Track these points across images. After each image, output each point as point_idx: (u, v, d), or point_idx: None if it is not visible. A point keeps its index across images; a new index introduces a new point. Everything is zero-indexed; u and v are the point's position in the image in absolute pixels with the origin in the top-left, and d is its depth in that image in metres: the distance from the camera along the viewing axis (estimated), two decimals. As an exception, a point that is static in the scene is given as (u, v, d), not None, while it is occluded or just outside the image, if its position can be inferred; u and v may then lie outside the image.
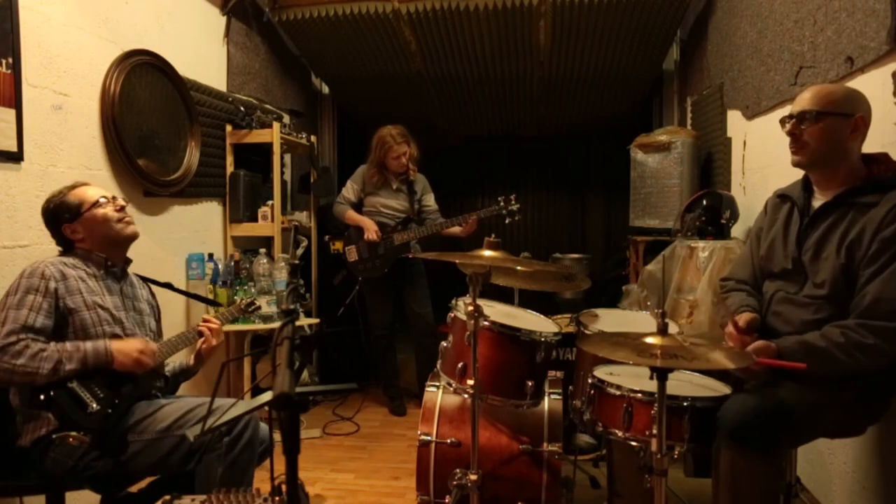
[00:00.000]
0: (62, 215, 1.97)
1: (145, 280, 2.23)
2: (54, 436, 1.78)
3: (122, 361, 1.86)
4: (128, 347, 1.89)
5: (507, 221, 3.69)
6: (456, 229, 3.78)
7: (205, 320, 2.12)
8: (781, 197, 1.98)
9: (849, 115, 1.73)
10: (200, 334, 2.09)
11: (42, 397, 1.76)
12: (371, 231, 3.78)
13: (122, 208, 2.05)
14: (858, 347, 1.62)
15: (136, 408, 1.92)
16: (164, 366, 2.13)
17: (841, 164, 1.77)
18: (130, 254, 2.13)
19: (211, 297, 3.26)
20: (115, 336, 1.93)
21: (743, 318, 1.87)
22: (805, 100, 1.78)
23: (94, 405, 1.81)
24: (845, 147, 1.75)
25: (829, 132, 1.74)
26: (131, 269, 2.17)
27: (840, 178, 1.78)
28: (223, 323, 2.18)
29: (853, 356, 1.62)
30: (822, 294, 1.74)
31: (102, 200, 2.01)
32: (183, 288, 3.22)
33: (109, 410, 1.84)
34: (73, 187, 2.03)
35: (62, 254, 2.03)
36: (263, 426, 1.97)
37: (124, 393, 1.89)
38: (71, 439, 1.78)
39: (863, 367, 1.63)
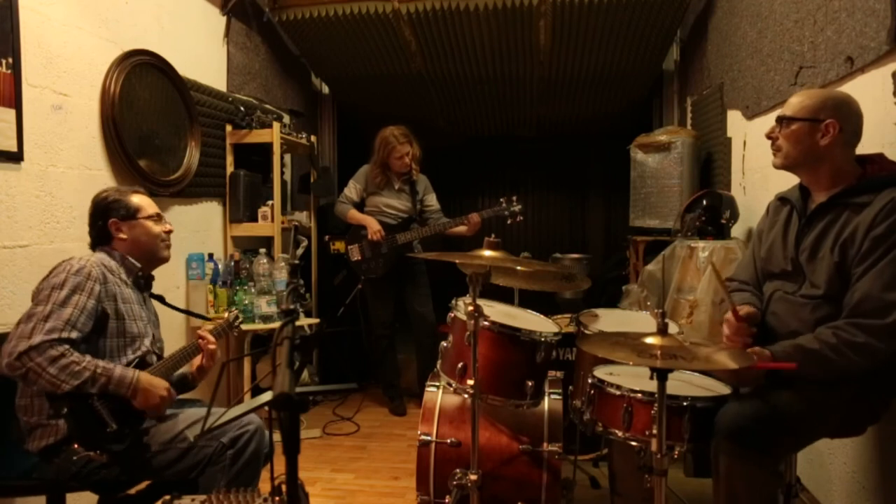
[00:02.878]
0: (118, 210, 2.01)
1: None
2: (75, 457, 1.76)
3: (143, 398, 1.84)
4: (154, 386, 1.86)
5: (508, 222, 3.72)
6: (461, 228, 3.80)
7: (200, 336, 2.12)
8: (782, 199, 2.00)
9: (817, 120, 1.77)
10: (199, 349, 2.10)
11: (65, 411, 1.75)
12: (374, 230, 3.79)
13: (169, 231, 2.12)
14: (850, 346, 1.63)
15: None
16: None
17: (821, 167, 1.80)
18: None
19: (211, 297, 3.28)
20: (137, 347, 1.95)
21: (743, 309, 1.88)
22: (787, 104, 1.85)
23: (114, 424, 1.80)
24: (818, 151, 1.78)
25: (796, 136, 1.80)
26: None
27: (826, 180, 1.81)
28: (215, 337, 2.18)
29: (845, 356, 1.63)
30: (818, 294, 1.76)
31: (157, 217, 2.09)
32: (183, 287, 3.26)
33: (127, 430, 1.83)
34: (134, 192, 2.08)
35: (95, 250, 2.03)
36: (268, 435, 1.96)
37: (139, 413, 1.87)
38: (79, 456, 1.76)
39: (856, 366, 1.63)
